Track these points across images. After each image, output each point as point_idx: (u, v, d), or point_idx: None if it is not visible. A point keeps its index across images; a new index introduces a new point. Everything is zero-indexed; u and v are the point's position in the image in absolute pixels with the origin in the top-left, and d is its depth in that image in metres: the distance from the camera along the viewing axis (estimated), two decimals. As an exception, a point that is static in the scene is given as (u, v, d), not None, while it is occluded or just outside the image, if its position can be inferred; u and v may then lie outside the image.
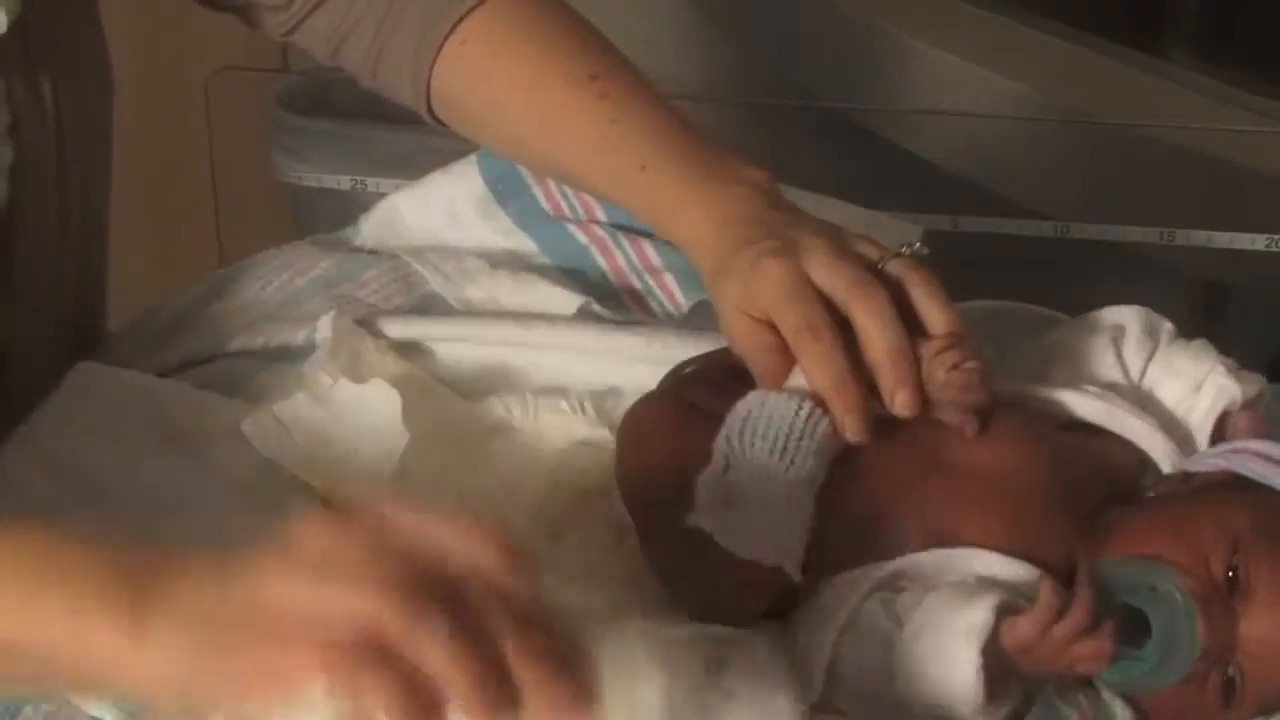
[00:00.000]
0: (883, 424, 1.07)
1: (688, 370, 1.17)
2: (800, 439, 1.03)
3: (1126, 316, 1.18)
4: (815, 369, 1.07)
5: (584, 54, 1.27)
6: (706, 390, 1.12)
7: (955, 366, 1.07)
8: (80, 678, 0.93)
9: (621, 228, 1.40)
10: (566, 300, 1.32)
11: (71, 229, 1.27)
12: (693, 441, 1.06)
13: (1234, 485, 1.07)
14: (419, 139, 1.94)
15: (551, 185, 1.43)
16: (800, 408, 1.04)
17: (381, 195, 1.51)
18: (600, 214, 1.41)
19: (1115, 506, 1.07)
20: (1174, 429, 1.13)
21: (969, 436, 1.07)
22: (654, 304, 1.39)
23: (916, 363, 1.07)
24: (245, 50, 1.82)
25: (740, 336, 1.13)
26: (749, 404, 1.06)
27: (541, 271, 1.38)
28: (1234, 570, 1.00)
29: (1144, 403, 1.14)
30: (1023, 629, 0.98)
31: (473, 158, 1.45)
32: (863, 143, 2.30)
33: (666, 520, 1.05)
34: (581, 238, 1.41)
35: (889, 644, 1.00)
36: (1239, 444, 1.09)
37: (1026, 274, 1.45)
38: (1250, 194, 1.96)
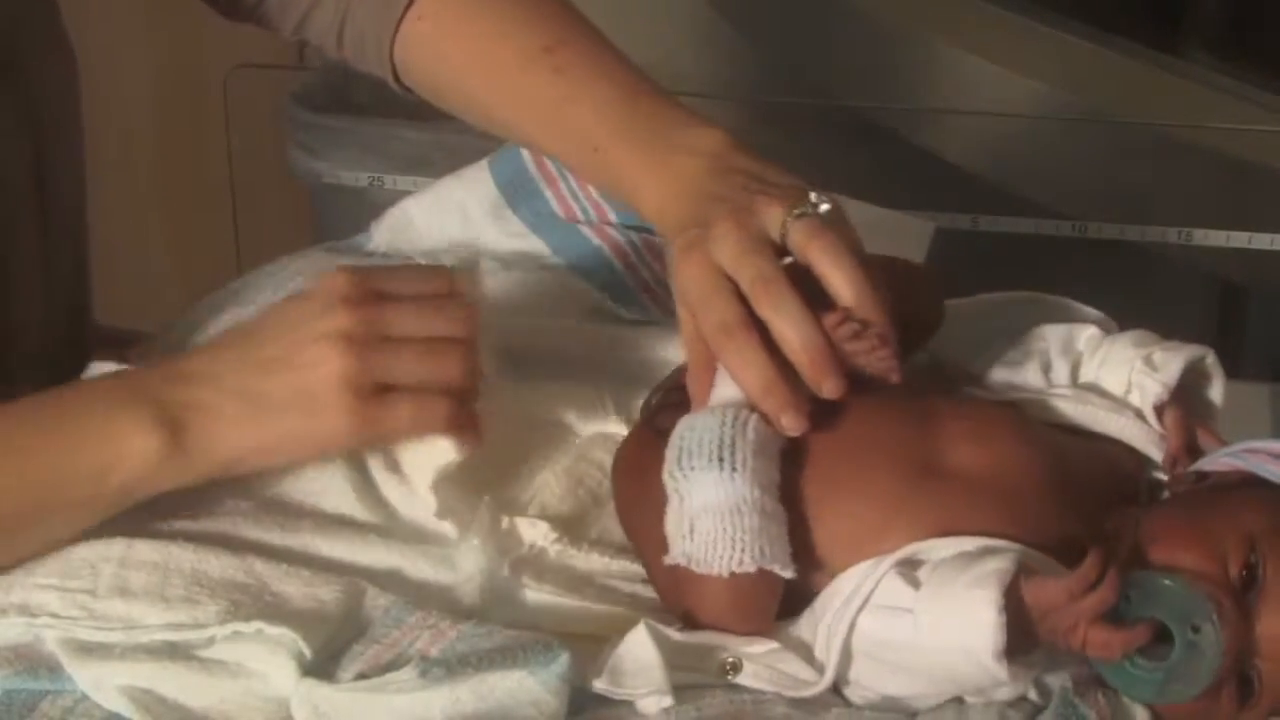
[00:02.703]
0: (875, 419, 1.07)
1: (654, 400, 1.17)
2: (733, 443, 1.03)
3: (1046, 333, 1.18)
4: (737, 371, 1.06)
5: (539, 23, 1.26)
6: (673, 414, 1.12)
7: (857, 335, 1.07)
8: (124, 489, 1.04)
9: (634, 228, 1.40)
10: (580, 299, 1.32)
11: (54, 231, 1.27)
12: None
13: (1249, 485, 1.07)
14: (435, 136, 1.94)
15: (563, 188, 1.43)
16: (725, 416, 1.04)
17: (398, 192, 1.52)
18: (612, 215, 1.41)
19: (1126, 505, 1.07)
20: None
21: (894, 383, 1.07)
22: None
23: (831, 345, 1.06)
24: (263, 47, 1.82)
25: (683, 335, 1.12)
26: (679, 431, 1.06)
27: (554, 271, 1.38)
28: (1250, 570, 1.00)
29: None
30: (1050, 590, 0.97)
31: (484, 162, 1.45)
32: (883, 142, 2.30)
33: (657, 558, 1.05)
34: (594, 239, 1.41)
35: (908, 608, 0.99)
36: (1254, 444, 1.09)
37: (1044, 273, 1.45)
38: (1268, 194, 1.96)
